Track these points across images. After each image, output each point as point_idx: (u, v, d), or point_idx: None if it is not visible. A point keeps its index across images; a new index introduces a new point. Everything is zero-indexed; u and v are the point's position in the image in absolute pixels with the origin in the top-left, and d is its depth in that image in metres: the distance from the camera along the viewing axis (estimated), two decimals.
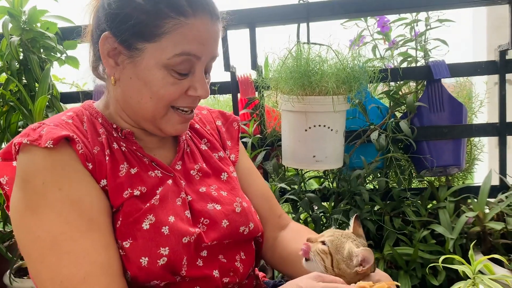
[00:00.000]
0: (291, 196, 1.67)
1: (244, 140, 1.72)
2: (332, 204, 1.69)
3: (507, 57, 1.63)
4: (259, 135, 1.76)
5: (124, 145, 0.93)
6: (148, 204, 0.87)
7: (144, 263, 0.82)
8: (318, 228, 1.64)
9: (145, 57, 0.85)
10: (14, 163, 0.86)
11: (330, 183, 1.80)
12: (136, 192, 0.87)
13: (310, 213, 1.68)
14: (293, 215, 1.70)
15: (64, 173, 0.81)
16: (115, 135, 0.93)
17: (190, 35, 0.84)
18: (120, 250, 0.83)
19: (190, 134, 1.06)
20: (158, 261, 0.83)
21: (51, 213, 0.78)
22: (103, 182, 0.86)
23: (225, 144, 1.12)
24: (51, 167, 0.81)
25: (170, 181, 0.93)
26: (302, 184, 1.77)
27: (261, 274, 1.14)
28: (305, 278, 0.81)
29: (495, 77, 1.70)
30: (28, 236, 0.79)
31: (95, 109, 0.96)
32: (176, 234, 0.85)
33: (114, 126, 0.94)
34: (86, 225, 0.80)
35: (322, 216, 1.70)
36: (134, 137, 0.94)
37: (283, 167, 1.80)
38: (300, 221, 1.73)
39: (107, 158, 0.88)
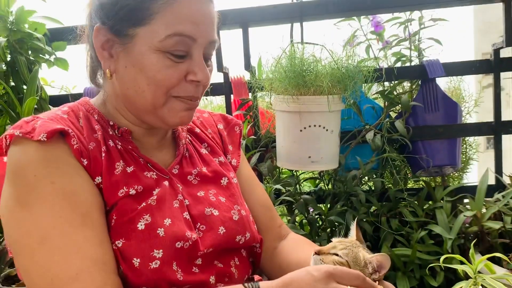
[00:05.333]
0: (287, 198, 1.64)
1: None
2: (328, 205, 1.67)
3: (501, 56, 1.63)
4: (253, 137, 1.73)
5: (120, 143, 0.89)
6: (144, 204, 0.84)
7: (136, 264, 0.79)
8: (314, 230, 1.61)
9: (137, 43, 0.82)
10: (5, 159, 0.82)
11: (325, 185, 1.78)
12: (132, 191, 0.84)
13: (306, 215, 1.65)
14: (289, 218, 1.67)
15: (57, 166, 0.78)
16: (110, 132, 0.89)
17: (181, 14, 0.81)
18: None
19: (190, 138, 1.03)
20: (150, 264, 0.79)
21: (42, 207, 0.75)
22: (98, 179, 0.82)
23: (226, 149, 1.09)
24: (44, 160, 0.77)
25: (166, 183, 0.90)
26: (297, 185, 1.75)
27: (256, 277, 1.11)
28: (315, 272, 0.75)
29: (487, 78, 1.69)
30: (18, 231, 0.75)
31: (92, 105, 0.92)
32: (171, 237, 0.82)
33: (111, 123, 0.90)
34: (79, 220, 0.76)
35: (318, 218, 1.68)
36: (131, 136, 0.91)
37: (277, 169, 1.78)
38: (296, 223, 1.70)
39: (103, 154, 0.84)
